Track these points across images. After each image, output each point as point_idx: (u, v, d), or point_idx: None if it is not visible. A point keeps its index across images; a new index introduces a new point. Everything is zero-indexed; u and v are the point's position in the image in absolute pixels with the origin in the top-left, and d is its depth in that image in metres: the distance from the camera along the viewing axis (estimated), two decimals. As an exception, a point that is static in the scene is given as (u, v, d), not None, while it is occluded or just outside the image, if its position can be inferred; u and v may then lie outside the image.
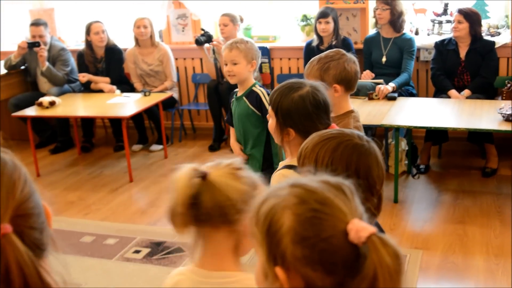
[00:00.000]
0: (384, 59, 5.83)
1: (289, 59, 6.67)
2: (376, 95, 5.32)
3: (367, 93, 5.36)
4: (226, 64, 3.82)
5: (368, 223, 1.07)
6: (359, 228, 1.05)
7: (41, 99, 5.98)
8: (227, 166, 1.59)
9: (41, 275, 1.07)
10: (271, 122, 2.52)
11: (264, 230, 1.10)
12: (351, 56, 3.09)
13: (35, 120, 6.19)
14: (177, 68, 6.92)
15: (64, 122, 6.69)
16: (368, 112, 4.96)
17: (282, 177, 2.39)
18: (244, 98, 3.84)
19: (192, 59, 7.00)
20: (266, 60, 6.67)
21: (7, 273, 1.03)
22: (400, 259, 1.05)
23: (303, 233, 1.05)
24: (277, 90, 2.52)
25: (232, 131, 4.02)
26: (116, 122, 6.56)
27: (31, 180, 1.14)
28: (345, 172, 1.65)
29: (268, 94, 3.76)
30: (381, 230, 1.77)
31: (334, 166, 1.67)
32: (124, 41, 7.03)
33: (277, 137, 2.50)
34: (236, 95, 3.92)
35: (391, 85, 5.45)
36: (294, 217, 1.06)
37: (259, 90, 3.84)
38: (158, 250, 4.28)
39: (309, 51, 5.94)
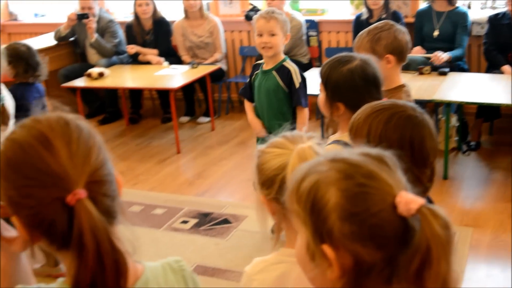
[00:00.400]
0: (436, 33, 5.71)
1: (338, 32, 6.59)
2: (426, 70, 5.23)
3: (417, 67, 5.26)
4: (261, 35, 3.63)
5: (415, 195, 1.03)
6: (408, 200, 1.02)
7: (90, 70, 6.04)
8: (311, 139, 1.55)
9: (112, 241, 1.08)
10: (321, 96, 2.48)
11: (307, 207, 1.06)
12: (400, 26, 3.01)
13: (84, 91, 6.25)
14: (225, 41, 6.90)
15: (112, 93, 6.76)
16: (419, 87, 4.88)
17: None
18: (274, 72, 3.70)
19: (240, 31, 6.97)
20: (314, 34, 6.60)
21: (80, 237, 1.04)
22: (451, 229, 1.02)
23: (351, 209, 1.02)
24: (327, 63, 2.48)
25: (249, 106, 3.90)
26: (163, 94, 6.59)
27: (105, 147, 1.15)
28: (399, 143, 1.62)
29: (300, 72, 3.72)
30: (430, 202, 1.74)
31: (387, 138, 1.64)
32: (172, 14, 7.02)
33: (326, 111, 2.45)
34: (261, 67, 3.77)
35: (447, 55, 5.34)
36: (340, 193, 1.03)
37: (291, 66, 3.71)
38: (205, 221, 4.31)
39: (359, 25, 5.85)
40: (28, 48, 4.06)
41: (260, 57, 4.05)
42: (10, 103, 3.50)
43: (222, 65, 6.63)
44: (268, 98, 3.73)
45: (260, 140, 3.84)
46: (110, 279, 1.06)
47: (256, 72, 3.80)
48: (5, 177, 1.09)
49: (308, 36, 6.57)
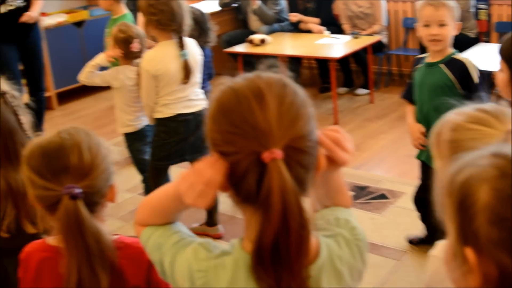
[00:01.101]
0: None
1: (510, 5, 6.17)
2: None
3: None
4: (428, 25, 3.11)
5: None
6: None
7: (252, 37, 6.08)
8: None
9: (301, 206, 1.07)
10: (501, 76, 2.26)
11: (456, 203, 0.94)
12: None
13: (244, 57, 6.31)
14: (388, 12, 6.69)
15: (272, 61, 6.76)
16: None
17: None
18: (441, 66, 3.15)
19: (404, 2, 6.72)
20: (484, 6, 6.22)
21: (267, 196, 1.04)
22: None
23: (502, 213, 0.88)
24: (509, 39, 2.27)
25: (410, 109, 3.37)
26: (322, 63, 6.52)
27: (315, 122, 1.14)
28: None
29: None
30: None
31: None
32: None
33: (509, 93, 2.20)
34: (424, 60, 3.25)
35: None
36: (492, 192, 0.89)
37: (466, 59, 3.15)
38: (362, 194, 4.22)
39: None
40: (202, 13, 4.13)
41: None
42: (195, 60, 3.57)
43: (383, 37, 6.43)
44: (433, 95, 3.13)
45: (419, 153, 3.36)
46: (293, 243, 1.06)
47: (418, 66, 3.30)
48: (214, 119, 1.12)
49: (477, 9, 6.21)
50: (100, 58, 3.94)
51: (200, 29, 4.05)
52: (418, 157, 3.38)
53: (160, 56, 3.46)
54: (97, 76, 3.95)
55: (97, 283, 1.46)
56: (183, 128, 3.58)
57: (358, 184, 4.36)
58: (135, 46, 3.80)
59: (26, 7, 5.08)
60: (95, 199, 1.50)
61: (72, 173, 1.46)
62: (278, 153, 1.05)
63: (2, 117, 2.02)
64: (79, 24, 6.89)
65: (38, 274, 1.61)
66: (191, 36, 3.72)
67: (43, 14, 6.72)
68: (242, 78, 1.14)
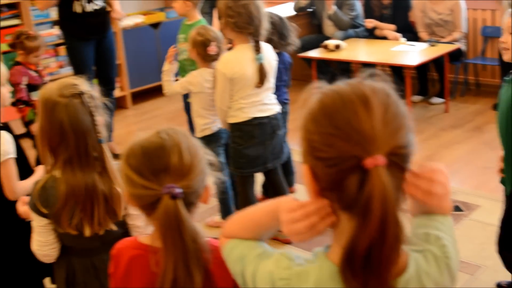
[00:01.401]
0: None
1: None
2: None
3: None
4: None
5: None
6: None
7: (326, 42, 6.05)
8: None
9: (398, 216, 1.06)
10: None
11: None
12: None
13: (317, 62, 6.28)
14: (466, 20, 6.54)
15: (345, 66, 6.72)
16: None
17: None
18: None
19: (483, 10, 6.56)
20: None
21: (367, 203, 1.03)
22: None
23: None
24: None
25: None
26: (397, 70, 6.43)
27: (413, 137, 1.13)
28: None
29: None
30: None
31: None
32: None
33: None
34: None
35: None
36: None
37: None
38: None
39: None
40: (281, 18, 4.12)
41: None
42: (270, 64, 3.57)
43: (461, 45, 6.30)
44: (504, 116, 2.72)
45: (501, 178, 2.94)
46: (387, 252, 1.05)
47: (506, 83, 2.77)
48: (315, 120, 1.11)
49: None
50: (165, 65, 4.02)
51: (279, 34, 4.04)
52: (501, 182, 2.98)
53: (237, 59, 3.47)
54: (177, 85, 4.00)
55: (191, 283, 1.48)
56: (258, 131, 3.57)
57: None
58: (212, 49, 3.82)
59: (105, 7, 5.22)
60: (191, 199, 1.51)
61: (172, 173, 1.48)
62: (381, 159, 1.04)
63: (77, 117, 2.04)
64: (155, 25, 7.01)
65: (128, 271, 1.64)
66: (269, 41, 3.73)
67: (122, 15, 6.87)
68: (344, 84, 1.14)
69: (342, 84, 1.14)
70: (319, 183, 1.11)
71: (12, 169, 2.69)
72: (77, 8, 5.07)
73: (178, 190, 1.45)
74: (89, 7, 5.10)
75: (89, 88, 2.12)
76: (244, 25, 3.41)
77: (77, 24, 5.10)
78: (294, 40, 4.16)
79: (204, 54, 3.84)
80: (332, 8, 6.55)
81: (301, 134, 1.14)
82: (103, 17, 5.20)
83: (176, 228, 1.45)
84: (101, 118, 2.11)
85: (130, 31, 6.80)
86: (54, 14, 6.21)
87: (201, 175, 1.53)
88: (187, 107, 4.70)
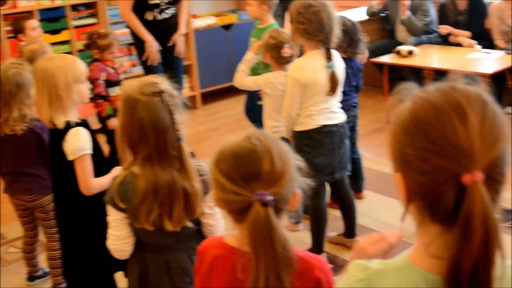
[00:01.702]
0: None
1: None
2: None
3: None
4: None
5: None
6: None
7: (399, 48, 5.97)
8: None
9: (500, 231, 1.02)
10: None
11: None
12: None
13: (389, 67, 6.20)
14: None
15: (417, 72, 6.61)
16: None
17: None
18: None
19: None
20: None
21: (467, 220, 1.00)
22: None
23: None
24: None
25: None
26: (470, 78, 6.29)
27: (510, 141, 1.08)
28: None
29: None
30: None
31: None
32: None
33: None
34: None
35: None
36: None
37: None
38: (508, 218, 4.03)
39: None
40: (353, 24, 4.09)
41: None
42: (340, 71, 3.55)
43: (539, 54, 6.11)
44: None
45: None
46: (492, 269, 1.02)
47: None
48: (408, 133, 1.08)
49: None
50: (248, 55, 4.03)
51: (350, 40, 4.00)
52: None
53: (309, 65, 3.43)
54: (250, 79, 4.02)
55: None
56: (327, 139, 3.52)
57: (505, 207, 4.16)
58: (286, 51, 3.82)
59: (175, 15, 5.32)
60: (280, 205, 1.51)
61: (263, 180, 1.47)
62: (480, 176, 1.00)
63: (157, 115, 2.08)
64: (227, 27, 7.06)
65: (211, 268, 1.66)
66: (339, 46, 3.70)
67: (194, 16, 6.95)
68: (435, 90, 1.10)
69: (433, 91, 1.09)
70: (411, 193, 1.09)
71: (88, 165, 2.75)
72: (149, 16, 5.18)
73: (269, 198, 1.44)
74: (160, 16, 5.21)
75: (169, 86, 2.16)
76: (314, 32, 3.37)
77: (147, 29, 5.19)
78: (362, 49, 4.12)
79: (278, 56, 3.85)
80: (406, 13, 6.46)
81: (392, 143, 1.11)
82: (171, 22, 5.30)
83: (267, 236, 1.44)
84: (180, 116, 2.14)
85: (202, 32, 6.88)
86: (129, 13, 6.35)
87: (291, 181, 1.52)
88: (249, 109, 4.70)
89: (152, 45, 5.20)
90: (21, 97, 3.28)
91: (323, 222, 3.63)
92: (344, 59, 3.77)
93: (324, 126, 3.51)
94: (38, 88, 2.77)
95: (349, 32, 4.00)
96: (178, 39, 5.34)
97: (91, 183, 2.75)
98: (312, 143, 3.53)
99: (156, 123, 2.08)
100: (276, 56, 3.85)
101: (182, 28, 5.39)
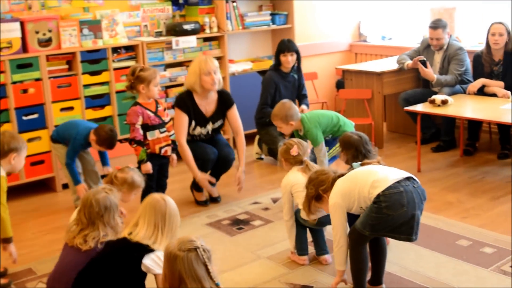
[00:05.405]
0: None
1: None
2: None
3: None
4: None
5: None
6: None
7: (434, 97, 6.00)
8: None
9: None
10: None
11: None
12: None
13: (422, 116, 6.22)
14: None
15: (450, 121, 6.62)
16: None
17: None
18: None
19: None
20: None
21: None
22: None
23: None
24: None
25: None
26: (504, 128, 6.29)
27: None
28: None
29: None
30: None
31: None
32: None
33: None
34: None
35: None
36: None
37: None
38: (508, 260, 4.04)
39: None
40: (360, 137, 4.18)
41: None
42: None
43: None
44: None
45: None
46: None
47: None
48: None
49: None
50: None
51: (355, 151, 4.15)
52: None
53: None
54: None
55: None
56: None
57: (504, 248, 4.16)
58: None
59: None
60: None
61: None
62: None
63: (193, 268, 2.55)
64: (263, 72, 7.16)
65: None
66: (346, 160, 4.19)
67: (231, 61, 7.08)
68: None
69: None
70: None
71: None
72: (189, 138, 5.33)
73: None
74: (202, 137, 5.41)
75: (201, 243, 2.62)
76: None
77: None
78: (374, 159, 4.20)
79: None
80: (433, 77, 6.57)
81: None
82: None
83: None
84: (215, 267, 2.60)
85: (238, 77, 6.99)
86: (167, 57, 6.52)
87: None
88: None
89: (201, 180, 5.28)
90: (108, 219, 3.42)
91: (365, 266, 3.64)
92: None
93: None
94: None
95: (355, 145, 4.15)
96: (240, 176, 5.37)
97: None
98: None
99: (192, 274, 2.54)
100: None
101: (242, 164, 5.42)
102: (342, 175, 3.65)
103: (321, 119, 5.16)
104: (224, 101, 5.40)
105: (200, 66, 5.17)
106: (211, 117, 5.33)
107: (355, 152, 4.14)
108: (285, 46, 6.37)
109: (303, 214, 3.99)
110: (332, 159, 5.28)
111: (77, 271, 3.22)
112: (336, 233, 3.59)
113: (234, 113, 5.47)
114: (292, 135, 5.15)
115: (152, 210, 3.23)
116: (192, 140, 5.32)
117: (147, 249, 3.12)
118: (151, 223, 3.21)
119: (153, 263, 3.11)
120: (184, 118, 5.21)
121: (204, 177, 5.27)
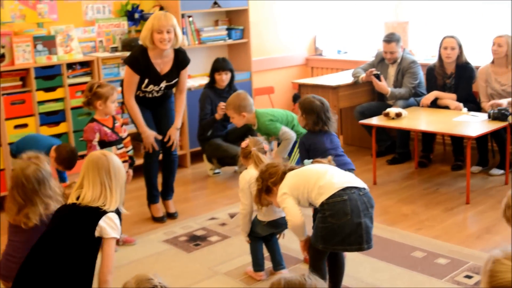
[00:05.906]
0: None
1: None
2: None
3: None
4: None
5: None
6: None
7: (388, 110, 6.09)
8: None
9: None
10: None
11: None
12: None
13: (377, 129, 6.30)
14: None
15: (405, 134, 6.73)
16: None
17: None
18: None
19: (548, 83, 6.49)
20: None
21: None
22: None
23: None
24: None
25: None
26: (457, 140, 6.41)
27: None
28: None
29: None
30: None
31: None
32: (479, 59, 6.79)
33: None
34: None
35: None
36: None
37: None
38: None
39: None
40: (322, 103, 4.24)
41: None
42: None
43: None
44: None
45: None
46: None
47: None
48: None
49: None
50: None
51: (317, 117, 4.22)
52: None
53: None
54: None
55: None
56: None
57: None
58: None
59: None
60: None
61: None
62: None
63: None
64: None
65: None
66: (305, 124, 4.24)
67: (187, 76, 7.06)
68: None
69: None
70: None
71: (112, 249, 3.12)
72: (140, 94, 5.22)
73: None
74: (154, 94, 5.28)
75: (161, 280, 2.46)
76: None
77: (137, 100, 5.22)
78: (334, 127, 4.28)
79: None
80: (387, 91, 6.70)
81: None
82: (163, 95, 5.34)
83: None
84: None
85: (193, 92, 6.96)
86: (123, 72, 6.47)
87: None
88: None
89: (149, 136, 5.19)
90: (45, 191, 3.35)
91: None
92: (316, 132, 4.26)
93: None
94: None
95: (316, 111, 4.23)
96: (174, 133, 5.33)
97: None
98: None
99: None
100: None
101: (178, 123, 5.34)
102: (292, 169, 3.67)
103: (275, 113, 5.30)
104: (180, 60, 5.26)
105: (153, 22, 5.00)
106: (165, 75, 5.20)
107: (316, 119, 4.19)
108: (220, 65, 6.50)
109: (259, 215, 4.01)
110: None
111: (29, 248, 3.15)
112: (291, 215, 3.55)
113: (185, 73, 5.38)
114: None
115: (95, 167, 3.11)
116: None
117: (98, 213, 3.04)
118: (97, 182, 3.09)
119: (107, 225, 3.04)
120: (134, 77, 5.09)
121: (151, 133, 5.19)
